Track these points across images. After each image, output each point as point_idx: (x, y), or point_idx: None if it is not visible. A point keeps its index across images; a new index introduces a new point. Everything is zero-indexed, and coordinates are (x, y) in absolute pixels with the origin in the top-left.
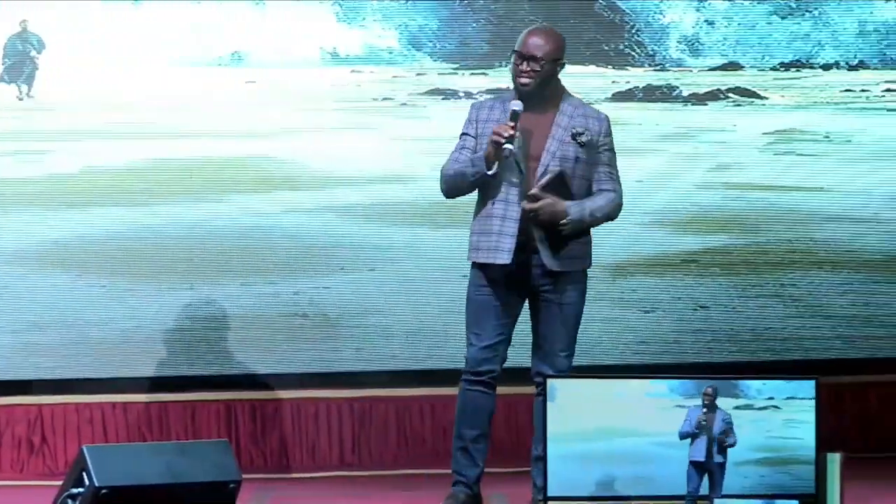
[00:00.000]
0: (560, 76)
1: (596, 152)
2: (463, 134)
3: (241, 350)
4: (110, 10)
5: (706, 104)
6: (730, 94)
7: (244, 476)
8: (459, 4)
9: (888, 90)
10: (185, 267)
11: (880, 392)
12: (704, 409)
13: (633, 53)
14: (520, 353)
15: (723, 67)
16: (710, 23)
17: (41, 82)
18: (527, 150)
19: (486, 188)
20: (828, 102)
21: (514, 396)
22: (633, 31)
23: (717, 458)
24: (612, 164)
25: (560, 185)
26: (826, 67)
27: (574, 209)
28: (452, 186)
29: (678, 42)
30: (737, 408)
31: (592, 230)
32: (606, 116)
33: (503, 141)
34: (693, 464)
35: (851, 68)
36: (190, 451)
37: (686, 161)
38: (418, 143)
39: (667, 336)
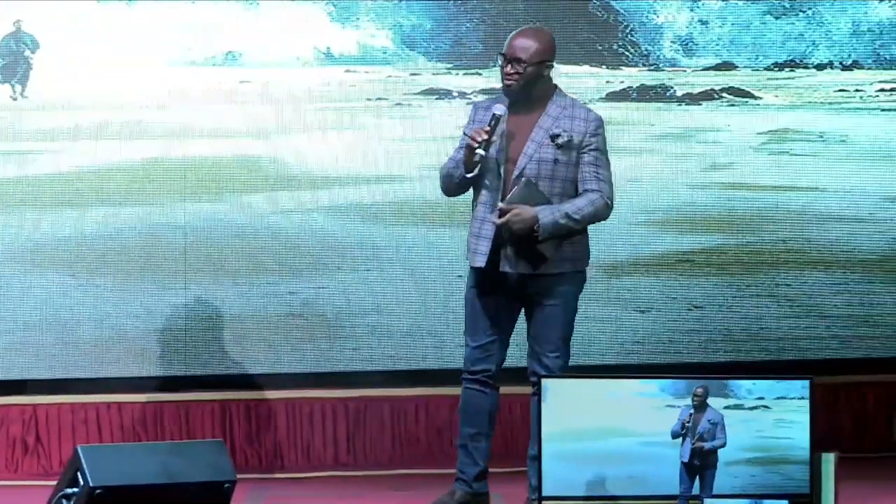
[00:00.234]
0: (555, 77)
1: (580, 153)
2: (463, 134)
3: (236, 350)
4: (104, 9)
5: (700, 104)
6: (724, 94)
7: (239, 476)
8: (453, 4)
9: (882, 90)
10: (180, 267)
11: (875, 392)
12: (691, 411)
13: (627, 53)
14: (515, 353)
15: (717, 67)
16: (704, 23)
17: (35, 82)
18: (508, 152)
19: (476, 190)
20: (822, 102)
21: (508, 396)
22: (627, 31)
23: (698, 460)
24: (598, 164)
25: (534, 193)
26: (820, 67)
27: (545, 213)
28: (445, 186)
29: (672, 42)
30: (727, 407)
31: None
32: (598, 117)
33: (476, 145)
34: (684, 464)
35: (845, 68)
36: (185, 450)
37: (680, 161)
38: (413, 143)
39: (661, 336)
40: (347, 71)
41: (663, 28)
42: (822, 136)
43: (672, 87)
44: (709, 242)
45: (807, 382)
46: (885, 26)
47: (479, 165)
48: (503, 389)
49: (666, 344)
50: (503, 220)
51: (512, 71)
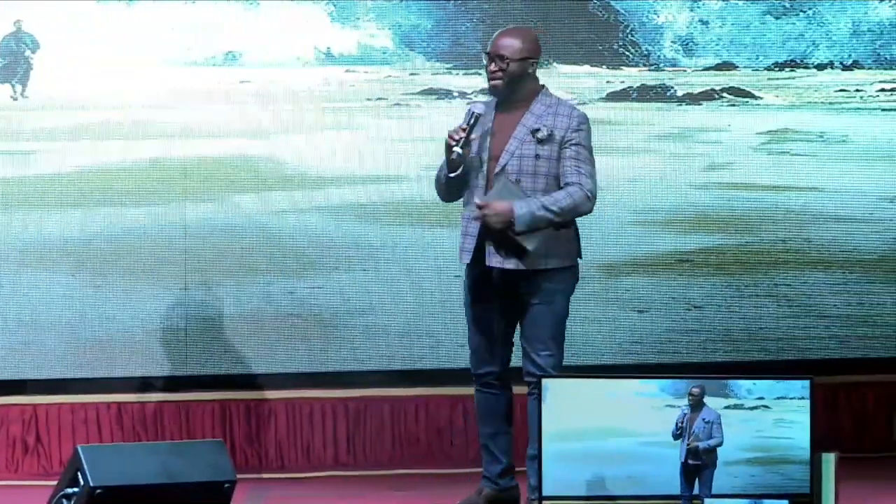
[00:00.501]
0: (555, 77)
1: (561, 147)
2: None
3: (236, 350)
4: (104, 9)
5: (700, 104)
6: (724, 94)
7: (239, 476)
8: (453, 4)
9: (882, 90)
10: (180, 267)
11: (875, 392)
12: (686, 411)
13: (628, 53)
14: (515, 353)
15: (717, 67)
16: (705, 22)
17: (35, 82)
18: (492, 150)
19: (465, 190)
20: (822, 102)
21: None
22: (628, 31)
23: (693, 459)
24: (579, 157)
25: (512, 189)
26: (820, 67)
27: (520, 206)
28: (437, 191)
29: (672, 42)
30: (727, 407)
31: (586, 230)
32: (581, 114)
33: (453, 143)
34: (682, 464)
35: (845, 68)
36: (185, 450)
37: (680, 161)
38: (412, 143)
39: (661, 336)
40: (347, 71)
41: (663, 28)
42: (822, 136)
43: (672, 87)
44: (708, 242)
45: (807, 382)
46: (885, 26)
47: (463, 165)
48: None
49: (665, 344)
50: (481, 213)
51: (496, 68)
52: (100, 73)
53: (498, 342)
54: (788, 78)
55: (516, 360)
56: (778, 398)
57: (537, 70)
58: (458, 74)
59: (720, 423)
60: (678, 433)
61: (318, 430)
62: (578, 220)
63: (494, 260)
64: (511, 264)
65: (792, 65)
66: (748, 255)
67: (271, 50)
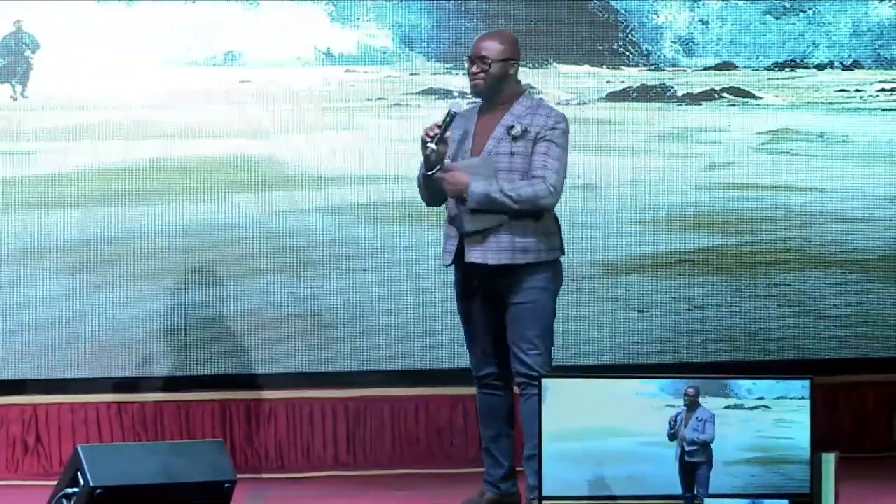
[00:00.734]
0: (555, 77)
1: (535, 144)
2: None
3: (236, 350)
4: (104, 9)
5: (700, 104)
6: (724, 94)
7: (239, 476)
8: (453, 4)
9: (882, 90)
10: (180, 267)
11: (875, 392)
12: (680, 411)
13: (628, 53)
14: None
15: (717, 67)
16: (705, 22)
17: (35, 82)
18: (472, 152)
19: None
20: (822, 102)
21: None
22: (628, 31)
23: (689, 458)
24: (548, 153)
25: (487, 170)
26: (820, 67)
27: (478, 183)
28: (419, 191)
29: (672, 42)
30: (727, 407)
31: (586, 229)
32: (560, 114)
33: (427, 140)
34: (678, 462)
35: (845, 68)
36: (185, 450)
37: (680, 161)
38: (412, 143)
39: (661, 336)
40: (347, 71)
41: (663, 28)
42: (822, 136)
43: (672, 87)
44: (708, 242)
45: (807, 382)
46: (885, 26)
47: (440, 166)
48: None
49: (665, 344)
50: (436, 173)
51: (477, 70)
52: (100, 73)
53: (494, 344)
54: (788, 78)
55: None
56: (778, 398)
57: (538, 71)
58: (458, 74)
59: (713, 422)
60: (673, 433)
61: (318, 430)
62: (574, 218)
63: (473, 255)
64: (490, 259)
65: (792, 65)
66: (748, 255)
67: (271, 50)
